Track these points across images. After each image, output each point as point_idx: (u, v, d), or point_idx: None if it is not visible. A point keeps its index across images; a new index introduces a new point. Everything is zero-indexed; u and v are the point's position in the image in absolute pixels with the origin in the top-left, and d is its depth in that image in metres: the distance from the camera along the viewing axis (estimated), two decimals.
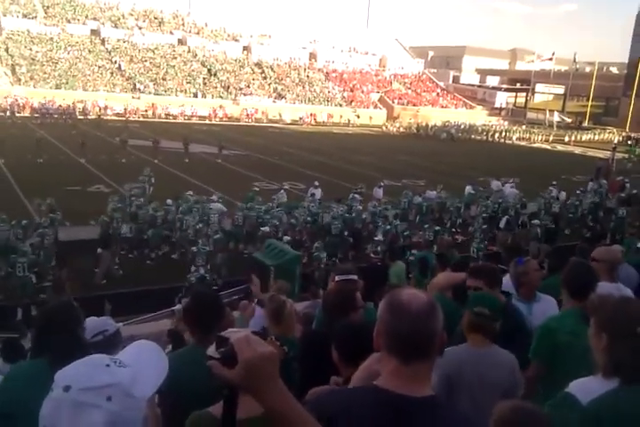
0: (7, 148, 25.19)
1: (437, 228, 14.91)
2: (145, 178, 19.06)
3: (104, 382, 1.22)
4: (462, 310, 3.25)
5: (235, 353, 1.25)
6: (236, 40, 65.01)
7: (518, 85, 73.89)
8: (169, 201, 15.75)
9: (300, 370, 3.16)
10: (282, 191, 18.69)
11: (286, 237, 13.32)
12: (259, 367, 1.26)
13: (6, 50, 50.63)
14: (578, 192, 20.71)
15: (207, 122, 48.03)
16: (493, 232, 15.94)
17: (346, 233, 14.92)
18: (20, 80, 47.30)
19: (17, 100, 43.40)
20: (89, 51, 54.87)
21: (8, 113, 40.99)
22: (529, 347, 3.34)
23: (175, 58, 58.54)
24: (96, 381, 1.22)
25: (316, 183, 19.52)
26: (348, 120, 55.40)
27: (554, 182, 21.54)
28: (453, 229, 17.36)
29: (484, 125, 54.42)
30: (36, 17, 56.25)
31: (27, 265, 11.08)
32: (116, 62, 54.46)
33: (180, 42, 61.67)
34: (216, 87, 55.73)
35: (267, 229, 13.84)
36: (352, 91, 63.01)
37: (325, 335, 2.92)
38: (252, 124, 49.88)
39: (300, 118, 53.27)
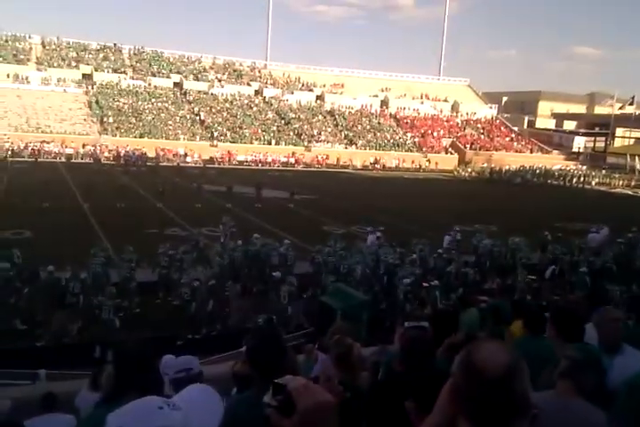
0: (92, 192, 26.60)
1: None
2: (225, 225, 19.39)
3: (155, 426, 1.18)
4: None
5: (292, 401, 1.18)
6: (310, 90, 66.97)
7: (597, 130, 71.67)
8: (240, 242, 16.03)
9: (367, 422, 2.99)
10: (372, 235, 18.48)
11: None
12: (317, 417, 1.18)
13: (96, 102, 54.32)
14: None
15: (280, 168, 49.17)
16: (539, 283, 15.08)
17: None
18: (106, 130, 50.36)
19: (102, 149, 46.13)
20: (171, 102, 58.03)
21: (94, 160, 43.62)
22: (604, 404, 3.01)
23: (251, 108, 60.88)
24: (147, 423, 1.19)
25: (369, 229, 19.37)
26: (419, 165, 55.27)
27: (634, 229, 20.34)
28: (529, 277, 16.63)
29: (561, 170, 52.84)
30: (124, 72, 60.38)
31: (113, 309, 11.09)
32: (196, 113, 57.23)
33: (257, 92, 64.22)
34: (289, 135, 57.29)
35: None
36: (423, 136, 63.07)
37: (399, 387, 2.71)
38: (324, 169, 50.67)
39: (371, 164, 53.69)
